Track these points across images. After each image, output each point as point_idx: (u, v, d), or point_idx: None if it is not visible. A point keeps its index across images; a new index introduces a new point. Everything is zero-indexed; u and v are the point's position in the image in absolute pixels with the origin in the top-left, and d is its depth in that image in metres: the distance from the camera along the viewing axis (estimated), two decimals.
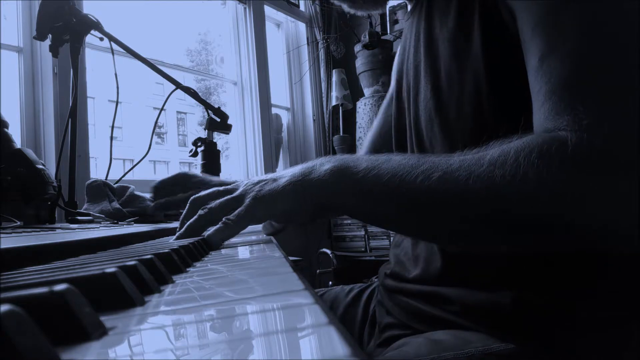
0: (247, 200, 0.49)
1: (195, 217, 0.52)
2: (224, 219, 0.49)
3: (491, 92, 0.50)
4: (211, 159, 1.27)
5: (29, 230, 0.62)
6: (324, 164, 0.47)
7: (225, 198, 0.52)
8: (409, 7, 0.66)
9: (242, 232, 0.52)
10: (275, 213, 0.49)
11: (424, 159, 0.43)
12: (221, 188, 0.55)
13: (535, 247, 0.44)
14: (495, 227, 0.41)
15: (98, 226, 0.79)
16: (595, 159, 0.36)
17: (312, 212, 0.48)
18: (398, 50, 0.72)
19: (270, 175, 0.51)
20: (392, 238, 2.39)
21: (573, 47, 0.40)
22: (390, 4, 2.70)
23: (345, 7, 0.73)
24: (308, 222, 0.51)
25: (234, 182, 0.57)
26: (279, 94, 2.79)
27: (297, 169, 0.49)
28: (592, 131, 0.36)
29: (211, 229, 0.49)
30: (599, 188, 0.36)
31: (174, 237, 0.53)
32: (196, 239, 0.48)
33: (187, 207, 0.56)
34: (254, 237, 0.66)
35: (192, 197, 0.56)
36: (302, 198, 0.47)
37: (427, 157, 0.43)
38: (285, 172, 0.50)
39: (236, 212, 0.49)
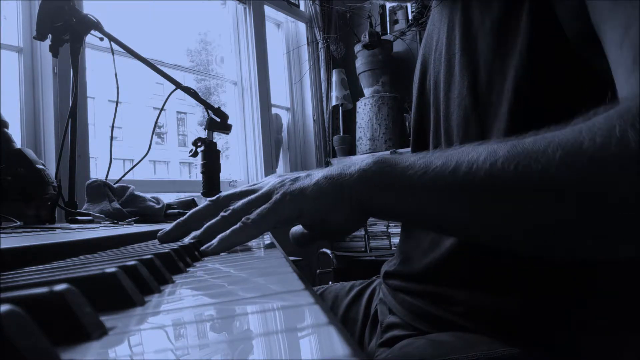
0: (274, 196, 0.43)
1: (217, 218, 0.46)
2: (242, 219, 0.43)
3: (531, 92, 0.47)
4: (211, 159, 1.27)
5: (29, 230, 0.62)
6: (364, 160, 0.41)
7: (250, 197, 0.46)
8: None
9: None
10: (305, 211, 0.42)
11: (479, 144, 0.36)
12: (244, 188, 0.50)
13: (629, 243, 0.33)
14: (586, 212, 0.31)
15: (98, 226, 0.79)
16: None
17: (349, 213, 0.41)
18: (424, 38, 0.69)
19: (302, 172, 0.45)
20: (392, 238, 2.40)
21: None
22: (392, 3, 2.70)
23: None
24: (342, 230, 0.44)
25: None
26: (279, 94, 2.79)
27: (334, 167, 0.43)
28: None
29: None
30: None
31: (189, 237, 0.49)
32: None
33: (204, 204, 0.50)
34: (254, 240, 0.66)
35: (216, 196, 0.51)
36: (339, 194, 0.40)
37: (482, 143, 0.36)
38: (319, 170, 0.44)
39: (259, 209, 0.43)
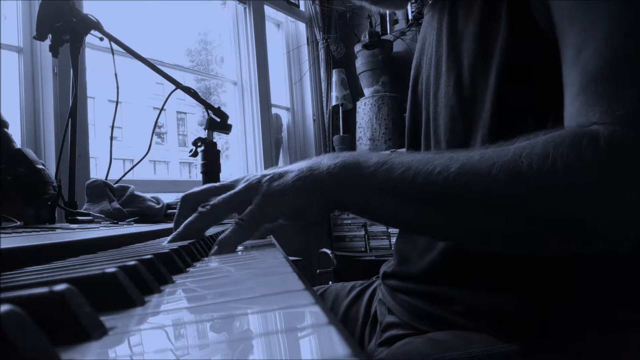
0: (256, 198, 0.45)
1: (195, 214, 0.47)
2: (236, 220, 0.45)
3: (512, 89, 0.48)
4: (211, 159, 1.27)
5: (29, 230, 0.62)
6: (333, 159, 0.45)
7: (229, 193, 0.47)
8: (430, 0, 0.65)
9: None
10: (286, 210, 0.46)
11: (440, 153, 0.41)
12: (217, 184, 0.52)
13: (553, 245, 0.41)
14: (518, 223, 0.38)
15: (98, 226, 0.79)
16: (629, 152, 0.34)
17: (322, 207, 0.45)
18: (417, 43, 0.70)
19: (274, 170, 0.47)
20: (392, 238, 2.40)
21: (606, 38, 0.38)
22: (377, 8, 2.70)
23: (366, 4, 0.71)
24: (318, 220, 0.48)
25: None
26: (279, 94, 2.79)
27: (304, 163, 0.46)
28: (626, 123, 0.35)
29: (223, 233, 0.45)
30: (632, 183, 0.34)
31: (168, 239, 0.48)
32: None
33: (179, 204, 0.52)
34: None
35: (183, 195, 0.52)
36: (312, 193, 0.44)
37: (443, 152, 0.41)
38: (291, 167, 0.47)
39: (247, 210, 0.45)
